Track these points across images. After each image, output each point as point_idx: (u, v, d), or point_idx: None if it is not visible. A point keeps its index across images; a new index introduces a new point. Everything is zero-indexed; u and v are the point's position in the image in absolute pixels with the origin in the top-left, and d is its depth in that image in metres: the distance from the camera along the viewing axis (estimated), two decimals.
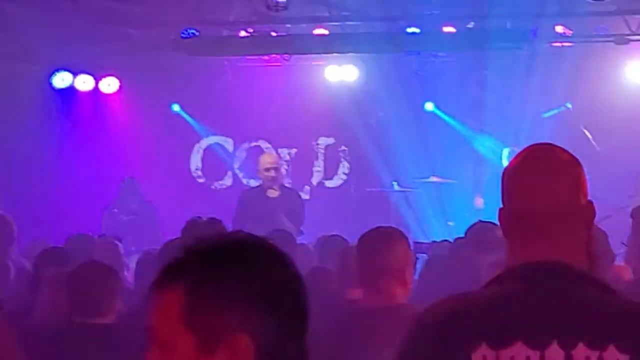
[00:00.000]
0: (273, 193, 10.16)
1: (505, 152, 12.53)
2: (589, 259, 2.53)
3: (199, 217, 6.10)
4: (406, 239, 4.53)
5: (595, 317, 2.42)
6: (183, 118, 13.48)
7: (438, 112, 13.09)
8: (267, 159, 10.64)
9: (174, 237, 6.22)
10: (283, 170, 11.21)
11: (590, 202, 2.56)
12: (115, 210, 11.88)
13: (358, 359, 4.26)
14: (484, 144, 13.00)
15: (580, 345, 2.39)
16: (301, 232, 9.95)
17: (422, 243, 9.20)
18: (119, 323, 4.72)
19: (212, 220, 6.03)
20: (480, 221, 7.47)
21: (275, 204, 10.07)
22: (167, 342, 1.83)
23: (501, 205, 2.58)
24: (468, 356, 2.41)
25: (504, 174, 2.58)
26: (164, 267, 1.89)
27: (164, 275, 1.88)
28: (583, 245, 2.53)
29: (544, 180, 2.51)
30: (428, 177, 12.20)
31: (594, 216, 2.56)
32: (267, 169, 10.30)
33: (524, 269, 2.49)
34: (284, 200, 10.19)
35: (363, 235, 4.59)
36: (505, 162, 12.41)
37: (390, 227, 4.70)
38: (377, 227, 4.68)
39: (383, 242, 4.44)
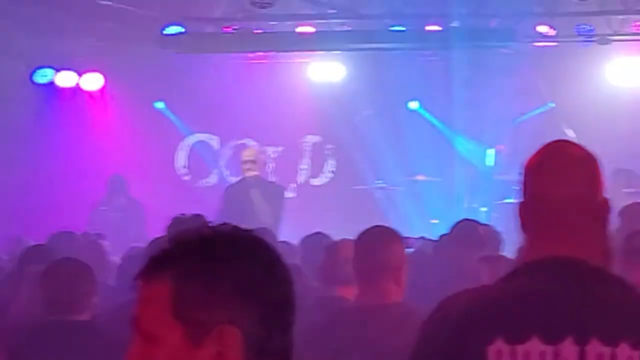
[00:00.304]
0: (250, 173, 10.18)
1: (490, 151, 12.58)
2: (606, 254, 2.55)
3: (183, 214, 6.12)
4: (402, 238, 4.60)
5: (610, 313, 2.45)
6: (170, 115, 13.47)
7: (422, 111, 13.12)
8: (245, 153, 10.79)
9: (160, 235, 6.22)
10: (265, 164, 11.19)
11: (606, 198, 2.59)
12: (103, 208, 11.86)
13: (354, 356, 4.28)
14: (465, 146, 13.05)
15: (594, 341, 2.41)
16: (279, 221, 9.99)
17: (409, 238, 9.24)
18: (95, 320, 4.69)
19: (196, 216, 6.04)
20: (465, 219, 7.53)
21: (253, 191, 10.12)
22: (154, 333, 1.82)
23: (520, 200, 2.61)
24: (484, 350, 2.42)
25: (524, 169, 2.61)
26: (151, 258, 1.89)
27: (150, 266, 1.87)
28: (600, 241, 2.55)
29: (564, 176, 2.55)
30: (413, 175, 12.23)
31: (610, 212, 2.59)
32: (245, 162, 10.40)
33: (541, 264, 2.51)
34: (263, 191, 10.22)
35: (361, 234, 4.62)
36: (489, 162, 12.51)
37: (387, 227, 4.72)
38: (375, 227, 4.72)
39: (382, 241, 4.48)
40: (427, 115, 13.13)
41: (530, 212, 2.57)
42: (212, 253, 1.85)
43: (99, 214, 11.73)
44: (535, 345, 2.42)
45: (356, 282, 4.55)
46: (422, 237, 9.17)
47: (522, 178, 2.61)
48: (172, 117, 13.49)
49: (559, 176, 2.55)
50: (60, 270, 4.72)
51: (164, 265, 1.86)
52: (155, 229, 11.85)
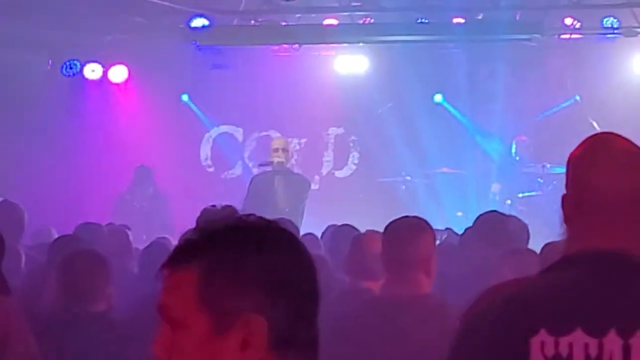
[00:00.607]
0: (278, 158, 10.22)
1: (526, 139, 12.55)
2: None
3: (214, 206, 6.10)
4: (432, 229, 4.55)
5: None
6: (193, 107, 13.50)
7: (446, 105, 13.10)
8: (276, 141, 10.82)
9: (184, 226, 6.20)
10: (292, 155, 11.20)
11: None
12: (128, 197, 11.88)
13: (383, 348, 4.27)
14: (486, 141, 13.02)
15: (639, 334, 2.41)
16: (301, 212, 10.03)
17: (438, 230, 9.22)
18: (111, 311, 4.71)
19: (227, 208, 6.03)
20: (491, 211, 7.48)
21: (278, 178, 10.17)
22: (181, 321, 1.83)
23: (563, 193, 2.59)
24: (526, 342, 2.41)
25: (569, 161, 2.58)
26: (178, 246, 1.90)
27: (178, 254, 1.89)
28: None
29: (611, 169, 2.53)
30: (437, 168, 12.22)
31: None
32: (276, 149, 10.42)
33: (586, 257, 2.50)
34: (289, 181, 10.26)
35: (390, 225, 4.58)
36: (514, 154, 12.47)
37: (417, 218, 4.67)
38: (405, 217, 4.68)
39: (412, 232, 4.44)
40: (450, 108, 13.11)
41: (576, 204, 2.55)
42: (239, 243, 1.87)
43: (124, 204, 11.75)
44: (579, 338, 2.41)
45: (384, 274, 4.53)
46: (448, 229, 9.17)
47: (567, 170, 2.59)
48: (196, 109, 13.52)
49: (609, 168, 2.53)
50: (75, 262, 4.73)
51: (191, 254, 1.87)
52: (180, 220, 11.95)
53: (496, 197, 11.99)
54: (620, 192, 2.52)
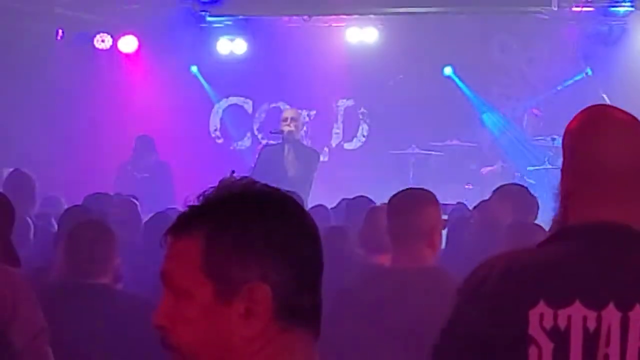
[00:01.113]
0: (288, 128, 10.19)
1: (538, 112, 12.51)
2: None
3: (231, 177, 6.05)
4: (437, 201, 4.52)
5: None
6: (202, 77, 13.46)
7: (454, 78, 13.04)
8: (287, 111, 10.79)
9: (190, 197, 6.15)
10: (303, 127, 11.17)
11: None
12: (129, 167, 11.85)
13: (387, 320, 4.27)
14: (489, 118, 12.98)
15: (637, 307, 2.40)
16: (310, 184, 10.02)
17: (446, 204, 9.21)
18: (117, 283, 4.68)
19: (244, 179, 6.00)
20: (510, 184, 7.46)
21: (287, 146, 10.14)
22: (185, 289, 1.82)
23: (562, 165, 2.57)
24: (525, 313, 2.40)
25: (567, 133, 2.56)
26: (181, 214, 1.88)
27: (181, 222, 1.87)
28: None
29: (610, 141, 2.51)
30: (447, 140, 12.19)
31: None
32: (285, 119, 10.39)
33: (585, 229, 2.48)
34: (298, 152, 10.23)
35: (394, 197, 4.56)
36: (541, 123, 12.43)
37: (422, 189, 4.64)
38: (408, 189, 4.67)
39: (415, 204, 4.42)
40: (458, 81, 13.05)
41: (575, 176, 2.53)
42: (243, 210, 1.85)
43: (125, 174, 11.73)
44: (577, 310, 2.41)
45: (390, 246, 4.53)
46: (459, 203, 9.14)
47: (564, 142, 2.57)
48: (204, 80, 13.48)
49: (606, 140, 2.51)
50: (81, 233, 4.69)
51: (195, 222, 1.86)
52: (187, 191, 11.94)
53: (506, 170, 11.96)
54: (619, 163, 2.50)
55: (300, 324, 1.86)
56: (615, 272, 2.44)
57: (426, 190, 4.60)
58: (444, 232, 4.71)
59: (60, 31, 12.76)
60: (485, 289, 2.46)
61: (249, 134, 13.74)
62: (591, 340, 2.40)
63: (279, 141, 10.48)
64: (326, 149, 13.44)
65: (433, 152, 12.10)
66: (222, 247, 1.82)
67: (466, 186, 12.00)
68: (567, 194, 2.54)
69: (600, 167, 2.50)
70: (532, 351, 2.41)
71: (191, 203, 1.89)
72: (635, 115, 2.61)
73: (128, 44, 13.10)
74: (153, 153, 11.99)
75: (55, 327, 4.17)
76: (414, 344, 4.08)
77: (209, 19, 12.87)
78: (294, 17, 12.82)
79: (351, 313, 4.33)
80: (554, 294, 2.42)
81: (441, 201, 4.89)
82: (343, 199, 8.25)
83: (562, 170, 2.57)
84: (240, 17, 12.83)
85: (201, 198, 1.89)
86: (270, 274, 1.82)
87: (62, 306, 4.50)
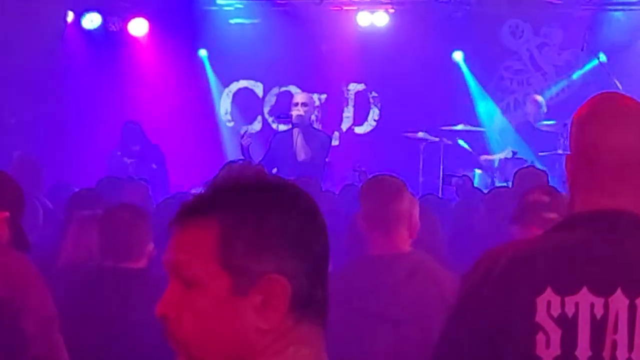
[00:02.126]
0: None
1: (539, 98, 12.47)
2: None
3: (234, 161, 6.05)
4: (406, 187, 4.59)
5: None
6: (211, 62, 13.43)
7: (462, 64, 13.01)
8: (298, 96, 10.72)
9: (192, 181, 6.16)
10: (314, 111, 11.10)
11: None
12: (119, 153, 11.88)
13: (368, 305, 4.32)
14: (484, 107, 12.96)
15: None
16: (321, 168, 9.98)
17: (452, 175, 9.24)
18: (150, 267, 4.63)
19: (246, 163, 6.02)
20: (529, 167, 7.44)
21: (296, 130, 10.11)
22: (198, 280, 1.79)
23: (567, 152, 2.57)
24: (533, 300, 2.41)
25: (574, 120, 2.56)
26: (190, 202, 1.84)
27: (193, 209, 1.83)
28: None
29: (618, 128, 2.50)
30: (456, 125, 12.16)
31: None
32: (295, 103, 10.36)
33: (591, 216, 2.49)
34: (309, 136, 10.19)
35: (369, 185, 4.66)
36: (544, 109, 12.40)
37: (391, 177, 4.70)
38: (382, 176, 4.75)
39: (393, 190, 4.49)
40: (465, 69, 13.02)
41: (582, 163, 2.53)
42: (260, 201, 1.82)
43: (115, 159, 11.75)
44: (585, 297, 2.41)
45: (367, 232, 4.55)
46: (465, 175, 9.15)
47: (571, 129, 2.56)
48: (214, 64, 13.45)
49: (614, 127, 2.51)
50: (117, 216, 4.67)
51: (208, 210, 1.82)
52: (198, 174, 11.97)
53: (516, 155, 11.93)
54: (627, 151, 2.49)
55: (311, 317, 1.85)
56: (622, 259, 2.44)
57: (395, 177, 4.67)
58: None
59: (70, 13, 12.73)
60: (492, 277, 2.46)
61: (259, 118, 13.74)
62: (599, 327, 2.40)
63: (289, 127, 10.46)
64: (337, 133, 13.43)
65: (442, 137, 12.06)
66: (239, 238, 1.79)
67: (477, 171, 11.98)
68: (573, 180, 2.55)
69: (605, 154, 2.50)
70: (540, 338, 2.41)
71: (202, 191, 1.86)
72: None
73: (138, 26, 13.08)
74: (142, 138, 11.96)
75: (90, 312, 4.16)
76: (398, 330, 4.15)
77: (219, 1, 12.86)
78: (305, 1, 12.79)
79: (336, 300, 4.34)
80: (561, 281, 2.42)
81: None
82: (345, 185, 8.27)
83: (567, 157, 2.57)
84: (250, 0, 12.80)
85: (212, 186, 1.86)
86: (286, 266, 1.81)
87: (98, 290, 4.49)
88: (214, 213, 1.82)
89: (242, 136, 10.11)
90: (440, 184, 10.43)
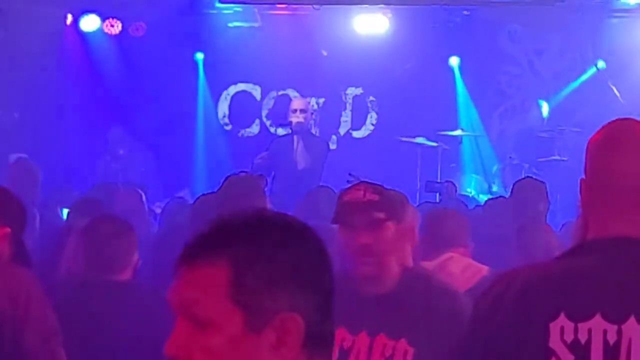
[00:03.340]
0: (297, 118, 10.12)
1: (544, 104, 12.49)
2: None
3: (238, 173, 5.99)
4: (408, 201, 4.59)
5: None
6: (210, 65, 13.39)
7: (455, 70, 13.01)
8: (295, 102, 10.74)
9: (206, 192, 6.14)
10: (312, 116, 11.09)
11: None
12: (108, 157, 11.88)
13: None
14: (467, 114, 12.96)
15: None
16: (319, 174, 9.98)
17: (438, 183, 9.22)
18: (136, 279, 4.67)
19: (249, 176, 5.97)
20: (527, 178, 7.44)
21: (297, 137, 10.09)
22: (211, 319, 1.77)
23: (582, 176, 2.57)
24: (546, 326, 2.40)
25: (589, 145, 2.56)
26: (197, 240, 1.82)
27: (200, 248, 1.81)
28: None
29: (633, 154, 2.50)
30: (454, 130, 12.16)
31: None
32: (294, 110, 10.36)
33: (605, 243, 2.48)
34: (307, 142, 10.18)
35: None
36: (545, 113, 12.41)
37: (395, 190, 4.63)
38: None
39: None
40: (457, 75, 13.01)
41: (595, 189, 2.53)
42: (270, 237, 1.81)
43: (104, 164, 11.76)
44: (598, 324, 2.41)
45: None
46: (447, 181, 9.14)
47: (586, 153, 2.56)
48: (212, 67, 13.42)
49: (629, 154, 2.51)
50: (101, 227, 4.67)
51: (217, 249, 1.80)
52: (197, 177, 11.96)
53: (514, 160, 11.94)
54: (635, 178, 2.49)
55: (322, 352, 1.85)
56: (635, 286, 2.45)
57: (396, 190, 4.62)
58: None
59: (70, 16, 12.71)
60: (504, 303, 2.46)
61: (257, 121, 13.71)
62: (611, 354, 2.40)
63: (288, 131, 10.45)
64: (334, 137, 13.43)
65: (440, 142, 12.05)
66: (252, 275, 1.78)
67: (474, 176, 11.98)
68: (584, 206, 2.55)
69: (619, 180, 2.50)
70: None
71: (206, 230, 1.84)
72: None
73: (137, 29, 13.05)
74: (125, 142, 11.95)
75: (75, 323, 4.15)
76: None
77: (218, 5, 12.83)
78: (304, 5, 12.77)
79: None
80: (574, 307, 2.42)
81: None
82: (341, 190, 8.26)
83: (582, 181, 2.56)
84: (250, 4, 12.78)
85: (217, 225, 1.84)
86: (299, 302, 1.80)
87: (82, 302, 4.49)
88: (224, 250, 1.80)
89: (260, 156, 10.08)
90: (423, 191, 10.37)
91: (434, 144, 11.81)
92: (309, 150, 10.05)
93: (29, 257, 3.84)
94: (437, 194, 9.16)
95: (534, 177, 8.59)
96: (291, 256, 1.81)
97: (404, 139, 12.15)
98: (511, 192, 7.12)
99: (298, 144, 10.05)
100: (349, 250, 3.77)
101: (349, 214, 3.76)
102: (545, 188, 6.95)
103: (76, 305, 4.46)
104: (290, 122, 10.23)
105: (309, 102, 10.64)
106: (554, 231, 5.63)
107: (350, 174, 9.11)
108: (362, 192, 3.78)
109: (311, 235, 1.87)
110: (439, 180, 10.29)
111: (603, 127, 2.58)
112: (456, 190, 8.66)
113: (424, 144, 11.90)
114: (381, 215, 3.74)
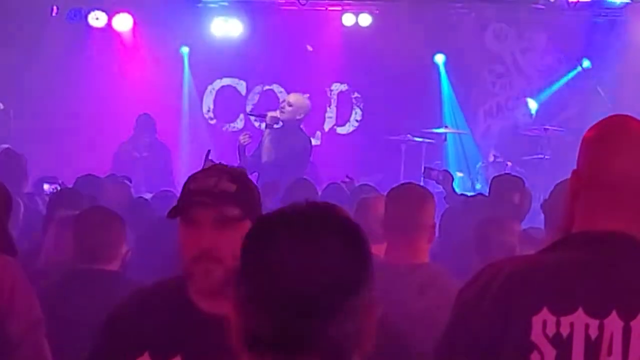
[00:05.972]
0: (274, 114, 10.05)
1: (531, 102, 12.51)
2: None
3: (220, 163, 5.94)
4: (433, 198, 4.54)
5: None
6: (195, 59, 13.37)
7: (440, 67, 13.04)
8: (289, 95, 10.52)
9: (184, 177, 6.12)
10: (301, 112, 10.92)
11: None
12: (129, 146, 11.83)
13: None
14: (452, 112, 12.99)
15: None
16: (303, 169, 9.91)
17: (432, 169, 9.19)
18: (125, 270, 4.66)
19: (223, 167, 5.94)
20: (506, 175, 7.45)
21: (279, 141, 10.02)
22: None
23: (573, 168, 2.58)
24: (528, 319, 2.41)
25: (584, 140, 2.57)
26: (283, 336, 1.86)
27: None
28: None
29: (625, 151, 2.51)
30: (439, 127, 12.18)
31: None
32: (282, 101, 10.33)
33: (589, 237, 2.49)
34: (291, 136, 10.08)
35: (394, 192, 4.60)
36: (533, 111, 12.43)
37: (420, 186, 4.68)
38: (409, 184, 4.72)
39: (415, 201, 4.44)
40: (442, 73, 13.04)
41: (584, 185, 2.54)
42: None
43: (125, 153, 11.70)
44: (580, 318, 2.41)
45: (385, 240, 4.52)
46: (444, 169, 9.12)
47: (580, 148, 2.57)
48: (197, 62, 13.39)
49: (621, 151, 2.52)
50: (90, 219, 4.67)
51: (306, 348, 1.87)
52: (180, 170, 11.93)
53: (498, 158, 11.96)
54: (629, 174, 2.50)
55: None
56: (618, 281, 2.45)
57: (423, 187, 4.69)
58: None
59: (55, 8, 12.67)
60: (488, 294, 2.46)
61: (241, 116, 13.70)
62: (593, 349, 2.40)
63: (263, 122, 10.29)
64: (319, 133, 13.42)
65: (425, 138, 12.06)
66: None
67: (458, 174, 11.99)
68: (574, 197, 2.56)
69: (604, 174, 2.51)
70: (535, 357, 2.41)
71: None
72: (629, 107, 2.61)
73: (123, 22, 13.02)
74: (153, 133, 11.94)
75: (60, 313, 4.13)
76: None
77: None
78: (290, 0, 12.77)
79: None
80: (557, 301, 2.42)
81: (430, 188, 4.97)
82: (330, 183, 8.29)
83: (573, 172, 2.58)
84: None
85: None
86: None
87: (69, 292, 4.49)
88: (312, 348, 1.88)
89: (243, 133, 10.03)
90: (422, 178, 10.37)
91: (419, 139, 11.81)
92: (277, 143, 9.85)
93: (15, 245, 3.82)
94: (435, 181, 9.08)
95: (510, 173, 8.59)
96: None
97: (385, 136, 12.15)
98: (489, 188, 7.12)
99: (266, 137, 9.95)
100: (187, 252, 2.79)
101: (192, 205, 2.80)
102: (522, 182, 6.95)
103: (63, 295, 4.46)
104: (265, 115, 10.16)
105: (305, 100, 10.44)
106: (518, 230, 5.60)
107: (347, 177, 9.06)
108: (213, 180, 2.81)
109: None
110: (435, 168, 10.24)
111: (599, 121, 2.60)
112: (453, 179, 8.66)
113: (408, 140, 11.90)
114: (235, 211, 2.77)
